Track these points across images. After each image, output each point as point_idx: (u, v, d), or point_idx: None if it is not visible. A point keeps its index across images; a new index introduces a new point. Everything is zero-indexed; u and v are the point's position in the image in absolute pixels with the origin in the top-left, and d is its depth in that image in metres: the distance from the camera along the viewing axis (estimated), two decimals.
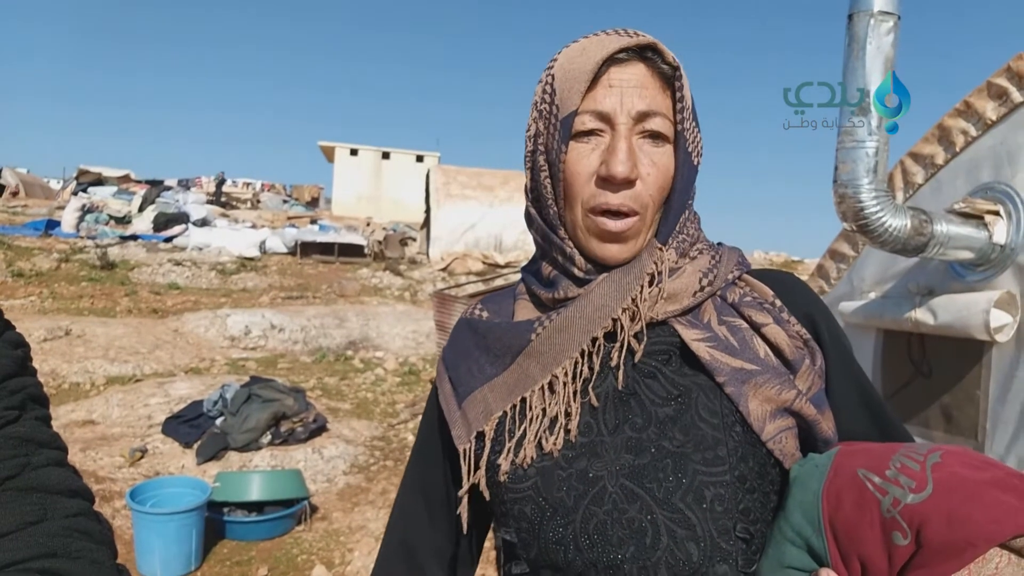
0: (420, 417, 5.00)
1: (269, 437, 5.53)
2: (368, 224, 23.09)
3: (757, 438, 0.82)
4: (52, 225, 17.41)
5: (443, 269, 16.83)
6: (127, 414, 6.24)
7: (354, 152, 35.51)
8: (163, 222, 18.40)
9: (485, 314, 1.00)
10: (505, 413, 0.89)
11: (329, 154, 36.47)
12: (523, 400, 0.88)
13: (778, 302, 0.89)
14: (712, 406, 0.83)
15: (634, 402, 0.85)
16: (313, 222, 22.20)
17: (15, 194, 26.32)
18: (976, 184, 2.25)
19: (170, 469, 5.22)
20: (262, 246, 16.90)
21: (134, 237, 17.16)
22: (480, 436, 0.90)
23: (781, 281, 0.93)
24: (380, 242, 18.40)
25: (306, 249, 16.98)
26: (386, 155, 35.67)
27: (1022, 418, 2.00)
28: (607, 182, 0.82)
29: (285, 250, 17.14)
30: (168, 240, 17.03)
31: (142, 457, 5.37)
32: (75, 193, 22.38)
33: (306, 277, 15.02)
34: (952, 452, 0.74)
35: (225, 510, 4.42)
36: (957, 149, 2.35)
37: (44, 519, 0.80)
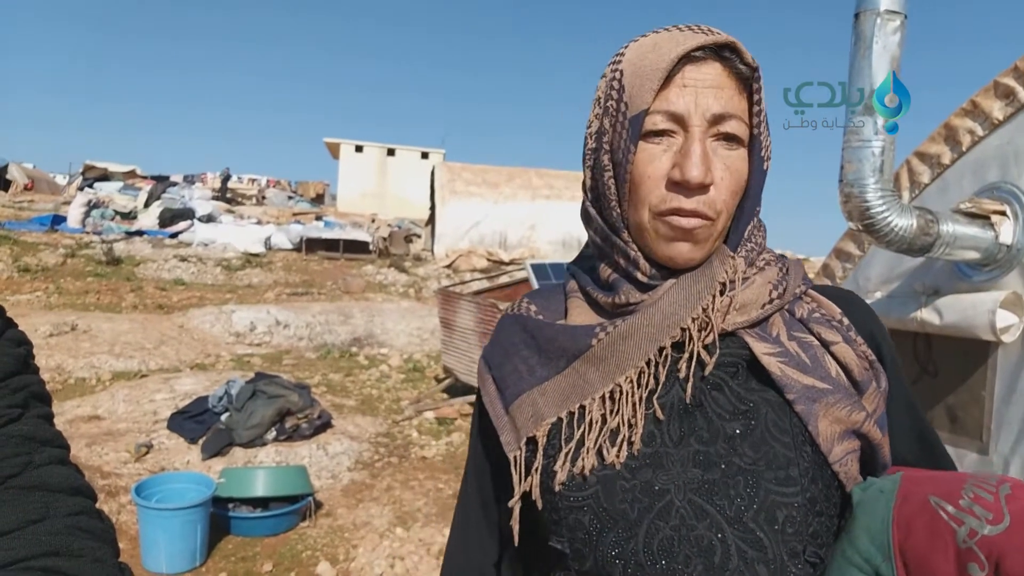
0: (424, 414, 5.02)
1: (274, 433, 5.55)
2: (373, 221, 23.11)
3: (824, 459, 0.79)
4: (58, 220, 17.46)
5: (448, 266, 16.84)
6: (132, 409, 6.26)
7: (359, 149, 35.52)
8: (169, 218, 18.44)
9: (534, 309, 0.95)
10: (560, 419, 0.84)
11: (334, 150, 36.49)
12: (581, 407, 0.83)
13: (845, 320, 0.86)
14: (782, 424, 0.80)
15: (699, 415, 0.81)
16: (318, 218, 22.22)
17: (28, 188, 26.40)
18: (983, 184, 2.24)
19: (175, 465, 5.24)
20: (267, 242, 16.94)
21: (140, 233, 17.20)
22: (531, 442, 0.85)
23: (845, 299, 0.91)
24: (385, 239, 18.42)
25: (311, 245, 17.01)
26: (391, 152, 35.67)
27: None
28: (680, 186, 0.78)
29: (290, 246, 17.17)
30: (174, 236, 17.07)
31: (147, 452, 5.39)
32: (81, 188, 22.43)
33: (311, 273, 15.05)
34: (1022, 485, 0.72)
35: (230, 506, 4.43)
36: (964, 149, 2.34)
37: (46, 517, 0.79)
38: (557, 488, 0.81)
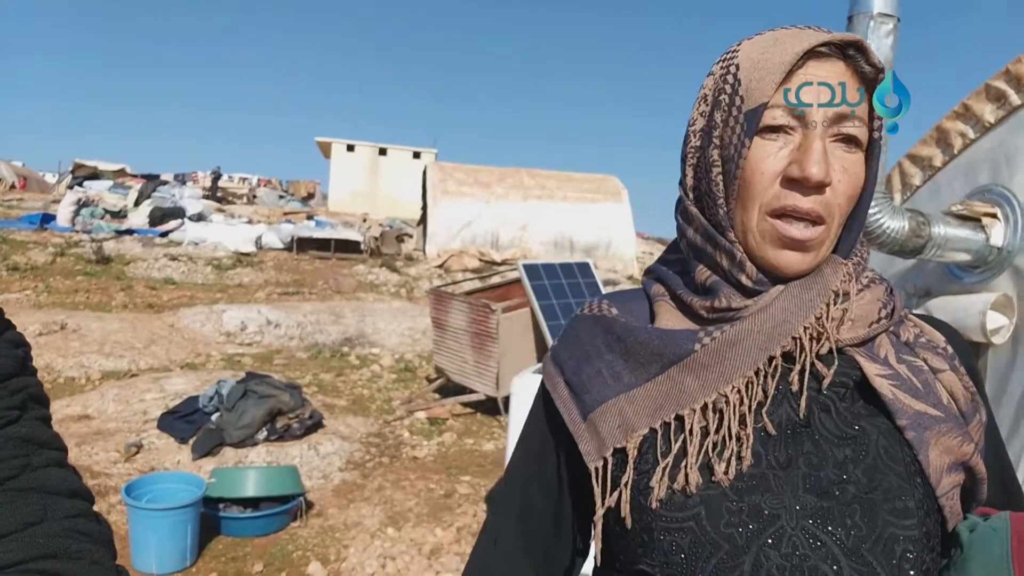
0: (415, 414, 4.98)
1: (265, 433, 5.53)
2: (364, 220, 23.07)
3: (932, 492, 0.75)
4: (47, 219, 17.36)
5: (440, 266, 16.82)
6: (122, 409, 6.23)
7: (351, 148, 35.45)
8: (159, 217, 18.36)
9: (615, 311, 0.89)
10: (653, 431, 0.79)
11: (326, 150, 36.40)
12: (678, 418, 0.78)
13: (950, 349, 0.83)
14: (893, 452, 0.76)
15: (806, 436, 0.76)
16: (309, 218, 22.16)
17: (21, 187, 26.22)
18: (974, 186, 2.25)
19: (165, 465, 5.22)
20: (258, 241, 16.88)
21: (130, 231, 17.11)
22: (616, 453, 0.80)
23: (945, 329, 0.87)
24: (376, 238, 18.38)
25: (302, 245, 16.96)
26: (383, 151, 35.62)
27: (1016, 419, 2.01)
28: (797, 184, 0.74)
29: (281, 246, 17.11)
30: (164, 235, 16.99)
31: (137, 452, 5.36)
32: (71, 187, 22.31)
33: (302, 273, 15.01)
34: None
35: (220, 506, 4.41)
36: (955, 151, 2.36)
37: (44, 520, 0.79)
38: (653, 506, 0.76)
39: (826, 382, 0.76)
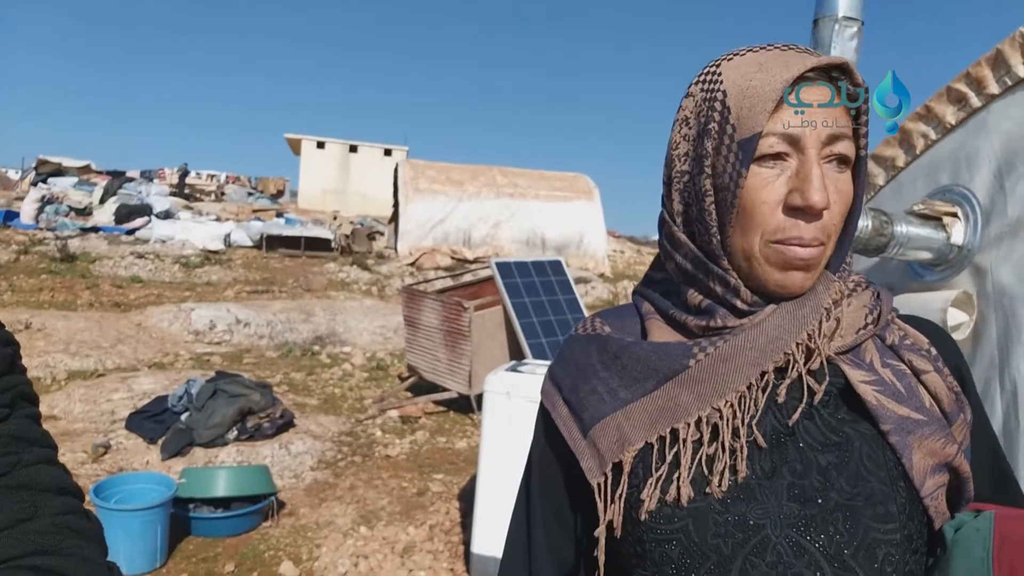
0: (387, 413, 4.99)
1: (235, 433, 5.49)
2: (335, 218, 22.92)
3: (917, 495, 0.78)
4: (10, 216, 17.04)
5: (411, 264, 16.77)
6: (89, 409, 6.15)
7: (321, 145, 35.18)
8: (125, 214, 18.09)
9: (608, 329, 0.90)
10: (649, 445, 0.80)
11: (295, 147, 36.09)
12: (673, 432, 0.80)
13: (933, 350, 0.85)
14: (876, 457, 0.78)
15: (791, 444, 0.78)
16: (279, 215, 21.98)
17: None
18: (935, 186, 2.31)
19: (134, 465, 5.16)
20: (227, 239, 16.71)
21: (95, 229, 16.86)
22: (616, 468, 0.82)
23: (931, 330, 0.89)
24: (347, 236, 18.28)
25: (272, 243, 16.82)
26: (353, 148, 35.39)
27: None
28: (799, 212, 0.76)
29: (250, 243, 16.95)
30: (130, 232, 16.76)
31: (105, 453, 5.29)
32: (34, 184, 21.86)
33: (272, 271, 14.88)
34: None
35: (191, 506, 4.37)
36: (917, 152, 2.41)
37: (35, 516, 0.80)
38: (643, 518, 0.78)
39: (817, 397, 0.79)
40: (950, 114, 2.30)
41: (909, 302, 2.23)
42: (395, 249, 18.07)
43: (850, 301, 0.82)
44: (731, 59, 0.80)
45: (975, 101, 2.22)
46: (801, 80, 0.76)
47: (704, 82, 0.81)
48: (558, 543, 0.92)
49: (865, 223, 2.04)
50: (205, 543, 4.28)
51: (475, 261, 16.72)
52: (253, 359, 8.90)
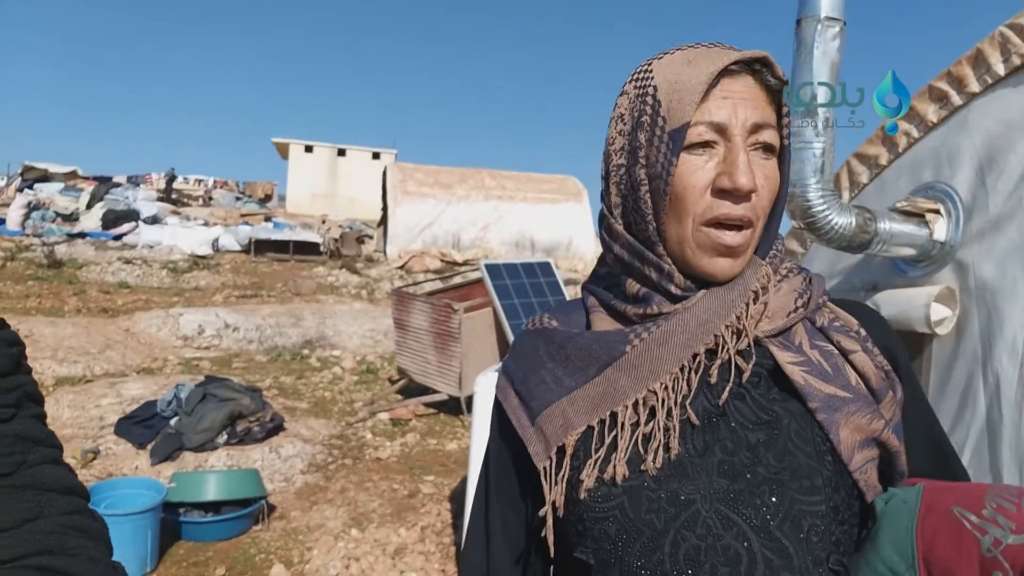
0: (378, 415, 4.98)
1: (225, 437, 5.47)
2: (324, 222, 22.87)
3: (845, 468, 0.81)
4: None
5: (401, 267, 16.76)
6: (78, 415, 6.11)
7: (309, 149, 35.12)
8: (112, 219, 17.98)
9: (555, 323, 0.95)
10: (591, 428, 0.84)
11: (283, 151, 36.01)
12: (612, 415, 0.84)
13: (863, 331, 0.88)
14: (804, 433, 0.81)
15: (722, 424, 0.82)
16: (267, 219, 21.90)
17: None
18: (918, 184, 2.33)
19: (123, 470, 5.14)
20: (215, 244, 16.64)
21: (82, 235, 16.75)
22: (560, 451, 0.85)
23: (861, 312, 0.93)
24: (336, 240, 18.24)
25: (260, 247, 16.76)
26: (342, 152, 35.35)
27: (960, 408, 2.08)
28: (727, 194, 0.80)
29: (239, 248, 16.89)
30: (117, 238, 16.66)
31: (94, 458, 5.27)
32: (20, 190, 21.71)
33: (260, 275, 14.83)
34: None
35: (181, 511, 4.36)
36: (900, 150, 2.44)
37: (40, 516, 0.81)
38: (582, 496, 0.82)
39: (745, 376, 0.82)
40: (932, 112, 2.33)
41: (893, 298, 2.26)
42: (384, 252, 18.05)
43: (780, 286, 0.86)
44: (661, 58, 0.85)
45: (956, 99, 2.25)
46: (725, 73, 0.80)
47: (637, 80, 0.86)
48: (514, 530, 0.96)
49: (849, 220, 2.07)
50: (195, 547, 4.27)
51: (464, 264, 16.72)
52: (242, 363, 8.87)
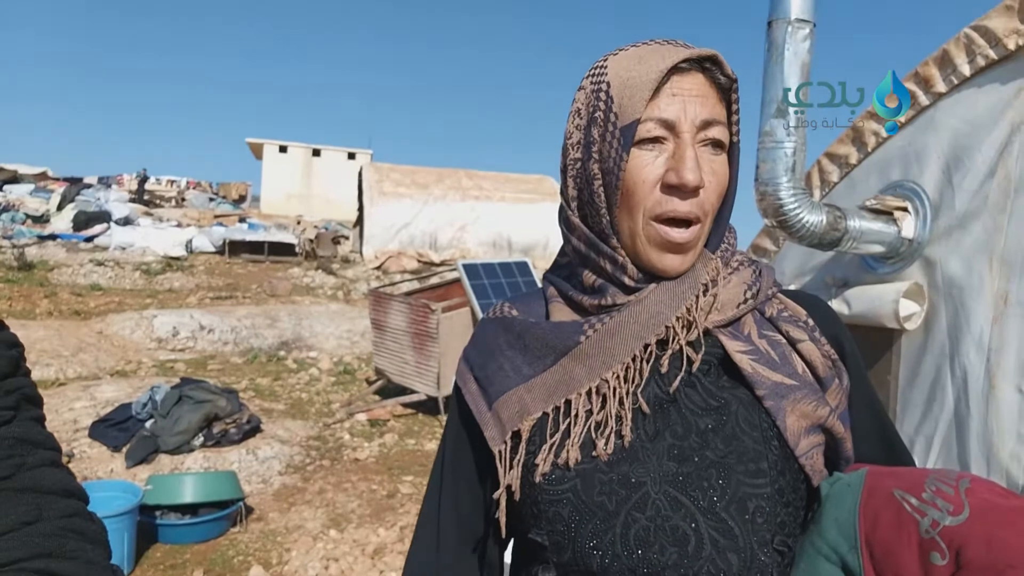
0: (356, 416, 4.98)
1: (201, 439, 5.44)
2: (299, 222, 22.73)
3: (791, 453, 0.83)
4: None
5: (377, 268, 16.70)
6: (51, 419, 6.02)
7: (283, 149, 34.84)
8: (83, 221, 17.76)
9: (515, 312, 0.97)
10: (546, 415, 0.87)
11: (257, 151, 35.70)
12: (567, 402, 0.86)
13: (811, 321, 0.91)
14: (752, 419, 0.84)
15: (673, 410, 0.84)
16: (242, 220, 21.72)
17: None
18: (887, 182, 2.38)
19: (98, 474, 5.09)
20: (188, 245, 16.49)
21: (53, 237, 16.53)
22: (515, 436, 0.87)
23: (810, 302, 0.95)
24: (312, 241, 18.14)
25: (235, 248, 16.63)
26: (316, 152, 35.11)
27: (928, 401, 2.13)
28: (675, 190, 0.82)
29: (213, 249, 16.74)
30: (89, 240, 16.45)
31: (69, 461, 5.21)
32: None
33: (235, 277, 14.72)
34: (979, 480, 0.78)
35: (157, 513, 4.33)
36: (869, 149, 2.48)
37: (39, 519, 0.80)
38: (537, 480, 0.84)
39: (695, 367, 0.85)
40: (901, 117, 2.37)
41: (864, 294, 2.31)
42: (360, 253, 17.97)
43: (730, 278, 0.89)
44: (616, 54, 0.87)
45: (923, 99, 2.30)
46: (676, 71, 0.82)
47: (592, 76, 0.88)
48: (468, 512, 0.98)
49: (820, 219, 2.10)
50: (173, 550, 4.24)
51: (442, 264, 16.70)
52: (218, 365, 8.81)
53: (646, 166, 0.83)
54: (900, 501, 0.77)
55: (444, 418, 6.76)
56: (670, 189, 0.82)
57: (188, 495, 4.39)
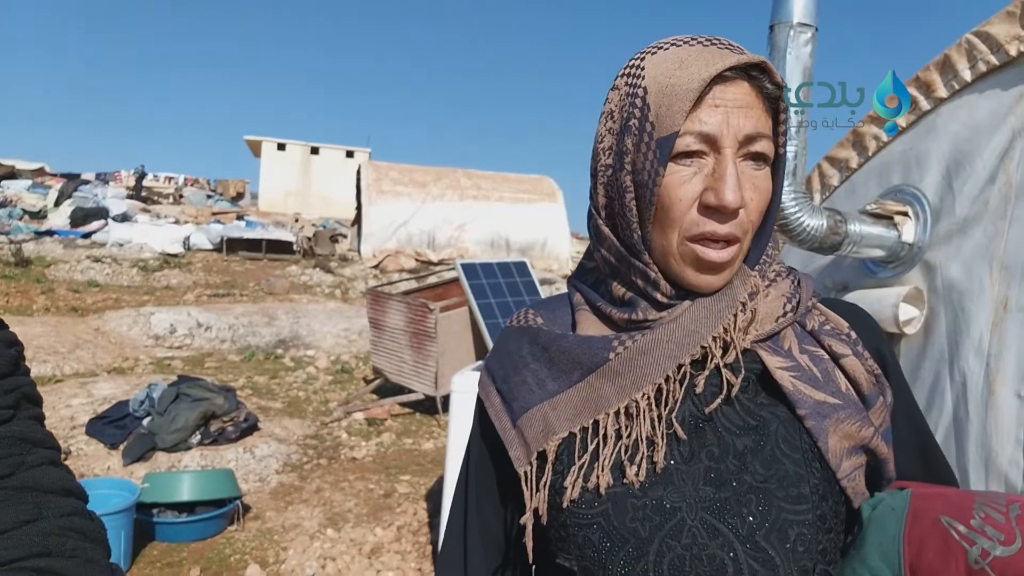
0: (353, 415, 4.97)
1: (199, 437, 5.43)
2: (296, 220, 22.71)
3: (833, 475, 0.79)
4: None
5: (375, 266, 16.69)
6: (48, 416, 5.91)
7: (281, 147, 34.80)
8: (81, 217, 17.73)
9: (540, 320, 0.92)
10: (572, 435, 0.82)
11: (255, 148, 35.66)
12: (594, 423, 0.81)
13: (853, 334, 0.86)
14: (792, 440, 0.79)
15: (709, 429, 0.80)
16: (239, 218, 21.70)
17: None
18: (887, 186, 2.38)
19: (95, 471, 5.08)
20: (186, 242, 16.46)
21: (50, 233, 16.49)
22: (541, 456, 0.84)
23: (853, 314, 0.90)
24: (310, 239, 18.13)
25: (232, 245, 16.61)
26: (315, 150, 35.07)
27: (927, 406, 2.13)
28: (713, 211, 0.76)
29: (210, 246, 16.72)
30: (86, 236, 16.42)
31: (66, 459, 5.18)
32: None
33: (233, 274, 14.71)
34: None
35: (154, 511, 4.33)
36: (870, 154, 2.49)
37: (39, 518, 0.81)
38: (565, 504, 0.80)
39: (735, 390, 0.79)
40: (901, 117, 2.38)
41: (863, 298, 2.31)
42: (358, 251, 17.96)
43: (768, 292, 0.84)
44: (655, 52, 0.80)
45: (924, 104, 2.30)
46: (719, 78, 0.75)
47: (628, 75, 0.81)
48: (494, 532, 0.94)
49: (820, 222, 2.11)
50: (169, 548, 4.24)
51: (440, 263, 16.70)
52: (215, 363, 8.80)
53: (684, 183, 0.77)
54: (947, 528, 0.73)
55: (442, 418, 6.80)
56: (708, 210, 0.76)
57: (185, 493, 4.38)
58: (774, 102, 0.79)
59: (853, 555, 0.80)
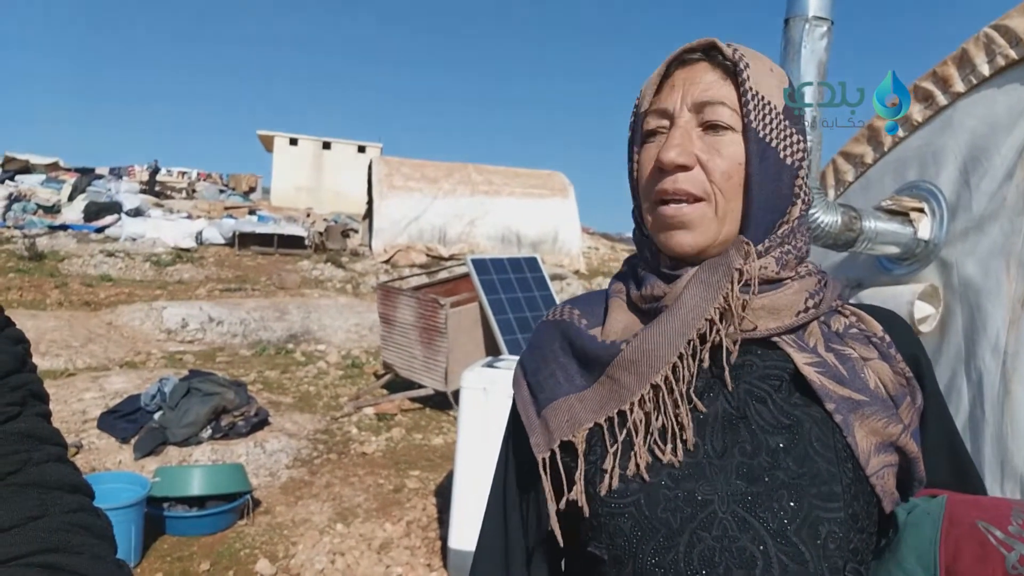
0: (363, 410, 4.97)
1: (209, 431, 5.45)
2: (308, 215, 22.77)
3: (864, 475, 0.80)
4: None
5: (386, 261, 16.72)
6: (60, 409, 6.06)
7: (294, 142, 34.89)
8: (94, 212, 17.85)
9: (577, 313, 0.95)
10: (598, 426, 0.84)
11: (268, 143, 35.76)
12: (620, 412, 0.84)
13: (887, 337, 0.87)
14: (825, 439, 0.81)
15: (743, 426, 0.82)
16: (252, 212, 21.78)
17: None
18: (903, 182, 2.35)
19: (107, 465, 5.11)
20: (198, 237, 16.55)
21: (64, 227, 16.62)
22: (567, 448, 0.85)
23: (889, 319, 0.92)
24: (321, 233, 18.18)
25: (244, 240, 16.68)
26: (327, 145, 35.14)
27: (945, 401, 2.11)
28: (662, 171, 0.83)
29: (223, 241, 16.80)
30: (100, 230, 16.54)
31: (77, 453, 5.23)
32: (1, 181, 21.50)
33: (244, 269, 14.77)
34: None
35: (165, 505, 4.34)
36: (885, 149, 2.46)
37: (45, 514, 0.80)
38: (602, 493, 0.81)
39: (733, 357, 0.83)
40: (917, 112, 2.35)
41: (878, 295, 2.28)
42: (369, 246, 17.99)
43: (792, 284, 0.85)
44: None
45: (941, 99, 2.27)
46: (681, 64, 0.86)
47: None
48: (530, 522, 0.96)
49: (835, 219, 2.08)
50: (180, 542, 4.26)
51: (450, 258, 16.71)
52: (226, 357, 8.83)
53: (650, 157, 0.86)
54: (984, 533, 0.74)
55: (452, 413, 6.80)
56: (659, 172, 0.84)
57: (196, 487, 4.40)
58: (734, 75, 0.85)
59: (888, 558, 0.80)
